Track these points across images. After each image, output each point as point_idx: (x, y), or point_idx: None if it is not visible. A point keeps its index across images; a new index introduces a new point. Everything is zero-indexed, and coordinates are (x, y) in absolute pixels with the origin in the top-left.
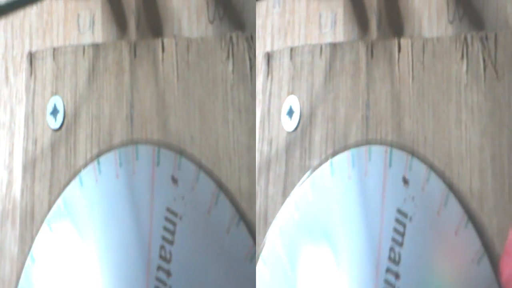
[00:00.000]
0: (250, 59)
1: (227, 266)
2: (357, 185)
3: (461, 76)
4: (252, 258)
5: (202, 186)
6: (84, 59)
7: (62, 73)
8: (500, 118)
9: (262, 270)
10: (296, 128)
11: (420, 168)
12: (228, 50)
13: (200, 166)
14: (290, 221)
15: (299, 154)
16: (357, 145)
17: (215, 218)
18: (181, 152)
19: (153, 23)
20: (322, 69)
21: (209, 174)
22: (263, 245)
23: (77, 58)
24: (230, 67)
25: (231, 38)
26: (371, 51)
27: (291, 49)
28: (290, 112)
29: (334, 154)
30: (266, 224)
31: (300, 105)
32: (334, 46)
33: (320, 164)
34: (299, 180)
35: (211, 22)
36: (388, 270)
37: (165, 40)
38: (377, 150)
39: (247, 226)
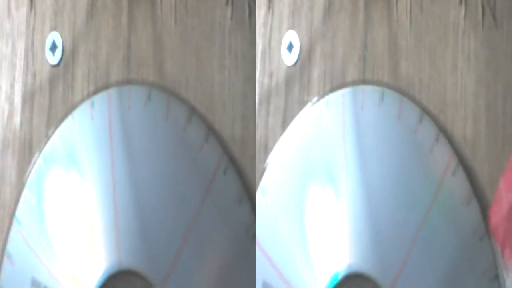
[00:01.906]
0: (249, 6)
1: (218, 208)
2: (351, 121)
3: (459, 21)
4: (240, 201)
5: (193, 128)
6: None
7: (62, 9)
8: (496, 66)
9: (261, 199)
10: (295, 63)
11: (413, 110)
12: None
13: (193, 109)
14: (287, 154)
15: (298, 89)
16: (353, 84)
17: (203, 160)
18: (174, 95)
19: None
20: (321, 6)
21: (202, 118)
22: (263, 174)
23: None
24: (229, 13)
25: None
26: None
27: None
28: (290, 47)
29: (332, 91)
30: (266, 152)
31: (299, 40)
32: None
33: (318, 100)
34: (297, 114)
35: None
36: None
37: None
38: (372, 90)
39: (237, 172)
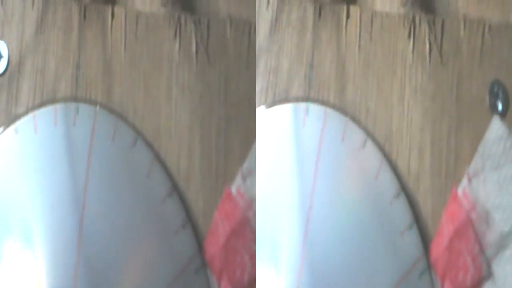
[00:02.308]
0: (196, 42)
1: (159, 237)
2: (294, 137)
3: (407, 54)
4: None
5: (139, 152)
6: (33, 10)
7: (10, 19)
8: (442, 102)
9: None
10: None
11: (358, 134)
12: (175, 29)
13: (138, 134)
14: None
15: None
16: (297, 100)
17: (151, 186)
18: (122, 118)
19: None
20: (268, 21)
21: (148, 144)
22: None
23: (25, 7)
24: (177, 47)
25: (179, 18)
26: (319, 12)
27: None
28: None
29: (274, 104)
30: None
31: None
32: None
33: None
34: None
35: (164, 6)
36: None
37: (116, 8)
38: (316, 108)
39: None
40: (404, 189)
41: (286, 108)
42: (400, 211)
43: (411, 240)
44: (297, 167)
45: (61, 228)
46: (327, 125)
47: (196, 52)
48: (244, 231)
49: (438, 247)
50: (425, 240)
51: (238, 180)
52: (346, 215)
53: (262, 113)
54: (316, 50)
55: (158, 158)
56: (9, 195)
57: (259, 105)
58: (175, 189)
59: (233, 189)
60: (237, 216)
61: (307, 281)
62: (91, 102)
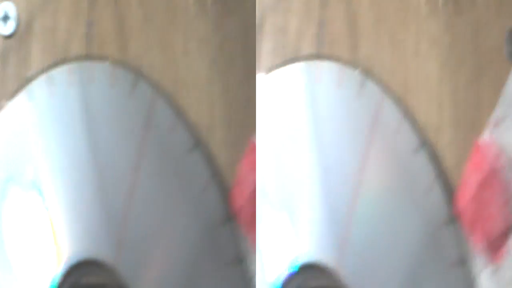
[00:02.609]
0: None
1: (185, 194)
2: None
3: (421, 6)
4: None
5: (160, 110)
6: None
7: None
8: (459, 53)
9: None
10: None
11: (374, 89)
12: None
13: (158, 89)
14: None
15: None
16: (308, 59)
17: (171, 141)
18: (139, 74)
19: None
20: None
21: (167, 102)
22: None
23: None
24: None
25: None
26: None
27: None
28: (5, 18)
29: (284, 64)
30: None
31: None
32: None
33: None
34: None
35: None
36: None
37: None
38: (330, 66)
39: (205, 158)
40: (424, 144)
41: (296, 68)
42: (423, 166)
43: (435, 194)
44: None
45: (80, 191)
46: (341, 82)
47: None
48: (492, 182)
49: (464, 198)
50: (449, 193)
51: (486, 133)
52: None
53: (272, 76)
54: (327, 6)
55: (178, 113)
56: (26, 160)
57: (268, 68)
58: (198, 143)
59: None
60: (485, 168)
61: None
62: (106, 59)
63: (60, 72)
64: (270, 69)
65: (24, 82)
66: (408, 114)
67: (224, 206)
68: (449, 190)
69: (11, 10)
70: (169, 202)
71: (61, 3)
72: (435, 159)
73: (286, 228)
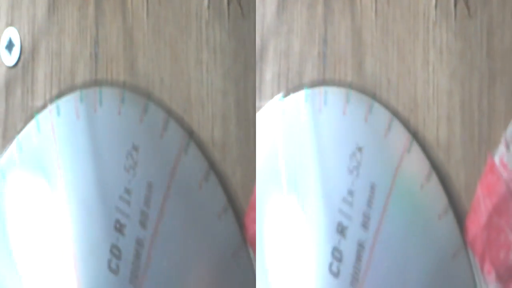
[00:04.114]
0: None
1: (200, 223)
2: (310, 126)
3: (430, 11)
4: (225, 212)
5: (171, 134)
6: None
7: (19, 1)
8: (471, 60)
9: None
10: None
11: (382, 114)
12: None
13: (169, 112)
14: None
15: None
16: (312, 85)
17: (185, 170)
18: (149, 96)
19: None
20: None
21: (180, 121)
22: None
23: None
24: (206, 2)
25: None
26: None
27: None
28: (10, 46)
29: (288, 93)
30: None
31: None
32: None
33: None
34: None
35: None
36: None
37: None
38: (334, 92)
39: (219, 179)
40: (434, 164)
41: (300, 96)
42: (433, 194)
43: (447, 222)
44: (317, 156)
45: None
46: (347, 110)
47: (228, 4)
48: (507, 206)
49: (476, 225)
50: (460, 218)
51: (501, 149)
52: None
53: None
54: (329, 23)
55: (191, 133)
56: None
57: (272, 94)
58: (212, 166)
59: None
60: (500, 191)
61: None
62: (113, 82)
63: (67, 101)
64: (273, 97)
65: (30, 113)
66: (418, 134)
67: (240, 230)
68: (461, 215)
69: (15, 36)
70: (188, 234)
71: (66, 23)
72: (446, 181)
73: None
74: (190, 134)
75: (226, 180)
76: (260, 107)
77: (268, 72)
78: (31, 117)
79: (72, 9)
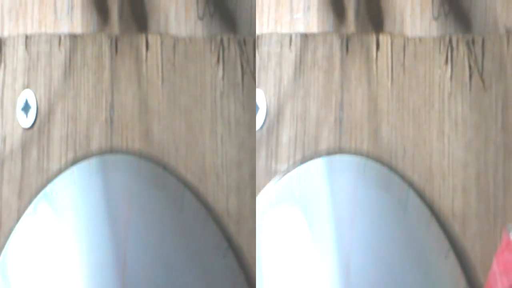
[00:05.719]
0: (242, 66)
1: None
2: (328, 197)
3: (445, 82)
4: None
5: (188, 207)
6: (60, 50)
7: (35, 64)
8: (486, 132)
9: None
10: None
11: (399, 186)
12: (218, 53)
13: (185, 183)
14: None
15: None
16: (328, 152)
17: (202, 243)
18: (164, 166)
19: (138, 14)
20: (292, 62)
21: (195, 193)
22: None
23: (52, 48)
24: (220, 73)
25: (221, 40)
26: (346, 46)
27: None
28: (26, 108)
29: (304, 160)
30: None
31: (266, 101)
32: (305, 36)
33: (288, 170)
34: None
35: (201, 19)
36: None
37: (150, 37)
38: (351, 161)
39: (235, 254)
40: (450, 237)
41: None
42: (451, 270)
43: None
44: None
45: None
46: (363, 181)
47: (243, 75)
48: None
49: None
50: None
51: None
52: (386, 278)
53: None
54: (346, 89)
55: (205, 203)
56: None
57: (287, 160)
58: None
59: None
60: None
61: None
62: (128, 150)
63: (82, 168)
64: (289, 163)
65: (46, 175)
66: (434, 206)
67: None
68: None
69: (31, 98)
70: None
71: (82, 87)
72: (462, 255)
73: None
74: (206, 205)
75: (242, 263)
76: (277, 171)
77: (285, 135)
78: (46, 180)
79: (87, 73)
